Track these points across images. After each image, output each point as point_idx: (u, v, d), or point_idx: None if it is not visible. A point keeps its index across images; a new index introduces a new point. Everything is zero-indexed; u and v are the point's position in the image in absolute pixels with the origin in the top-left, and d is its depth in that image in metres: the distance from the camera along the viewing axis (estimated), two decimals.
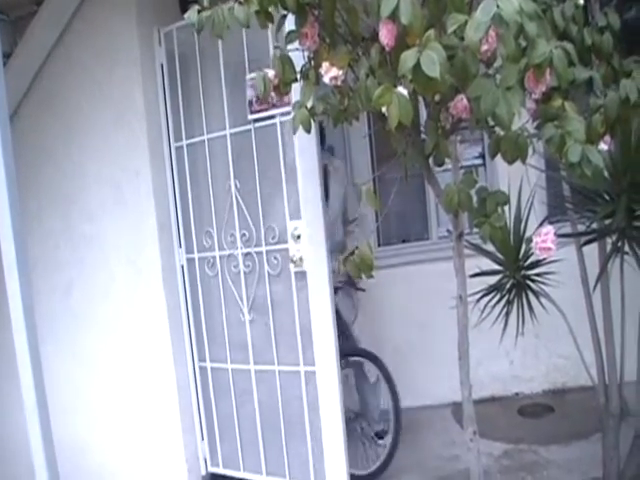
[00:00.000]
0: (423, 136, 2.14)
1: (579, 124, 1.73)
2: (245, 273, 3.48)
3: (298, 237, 3.21)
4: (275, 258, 3.35)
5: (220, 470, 3.78)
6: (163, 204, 3.64)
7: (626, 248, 2.76)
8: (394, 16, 1.61)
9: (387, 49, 1.75)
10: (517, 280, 3.04)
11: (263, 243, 3.39)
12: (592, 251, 3.00)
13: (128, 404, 3.78)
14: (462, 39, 1.60)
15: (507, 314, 3.06)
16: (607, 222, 2.80)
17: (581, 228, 3.04)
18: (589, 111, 1.91)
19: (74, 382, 3.85)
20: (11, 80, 3.60)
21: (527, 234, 2.86)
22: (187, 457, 3.71)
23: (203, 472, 3.83)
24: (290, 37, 2.17)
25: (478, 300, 3.05)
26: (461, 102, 1.83)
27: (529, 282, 3.04)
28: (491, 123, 1.78)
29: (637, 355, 2.98)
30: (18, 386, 2.03)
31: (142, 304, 3.66)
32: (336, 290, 3.94)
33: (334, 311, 3.19)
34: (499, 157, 1.89)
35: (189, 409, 3.77)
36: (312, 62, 2.20)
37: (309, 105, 2.20)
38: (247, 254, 3.46)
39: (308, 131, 2.23)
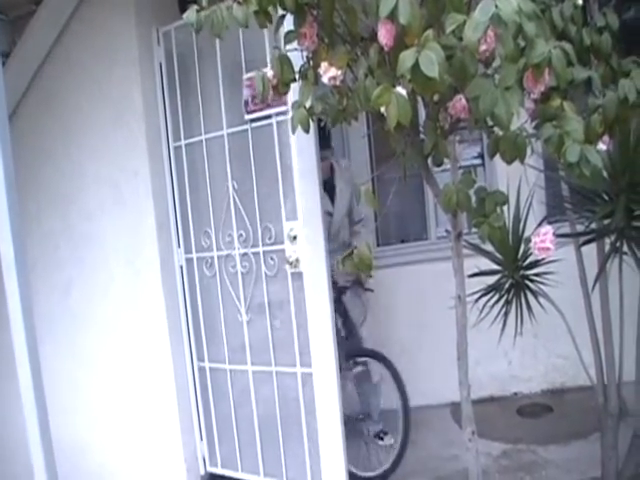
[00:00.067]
0: (422, 136, 2.14)
1: (578, 124, 1.73)
2: (242, 274, 3.48)
3: (294, 238, 3.20)
4: (272, 259, 3.35)
5: (219, 470, 3.79)
6: (162, 204, 3.64)
7: (625, 248, 2.76)
8: (393, 16, 1.60)
9: (386, 49, 1.75)
10: (516, 280, 3.04)
11: (260, 244, 3.39)
12: (591, 251, 3.00)
13: (127, 404, 3.77)
14: (461, 39, 1.60)
15: (506, 314, 3.06)
16: (606, 222, 2.80)
17: (580, 228, 3.04)
18: (588, 111, 1.91)
19: (73, 382, 3.85)
20: (10, 80, 3.60)
21: (526, 234, 2.86)
22: (186, 457, 3.71)
23: (202, 472, 3.83)
24: (289, 37, 2.16)
25: (477, 300, 3.05)
26: (460, 102, 1.83)
27: (528, 282, 3.04)
28: (490, 123, 1.78)
29: (636, 355, 2.98)
30: (17, 386, 2.03)
31: (141, 304, 3.66)
32: (345, 290, 3.96)
33: (333, 312, 3.19)
34: (498, 157, 1.89)
35: (188, 409, 3.77)
36: (311, 62, 2.20)
37: (308, 105, 2.20)
38: (244, 254, 3.46)
39: (307, 131, 2.23)
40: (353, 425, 4.05)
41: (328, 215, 4.02)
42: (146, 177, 3.53)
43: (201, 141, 3.56)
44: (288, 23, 2.16)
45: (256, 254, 3.41)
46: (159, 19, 3.59)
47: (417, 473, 3.75)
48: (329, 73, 1.98)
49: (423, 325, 4.59)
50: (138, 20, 3.49)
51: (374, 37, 1.81)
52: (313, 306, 3.19)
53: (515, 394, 4.77)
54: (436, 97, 1.94)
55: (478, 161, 4.83)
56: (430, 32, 1.61)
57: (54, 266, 3.83)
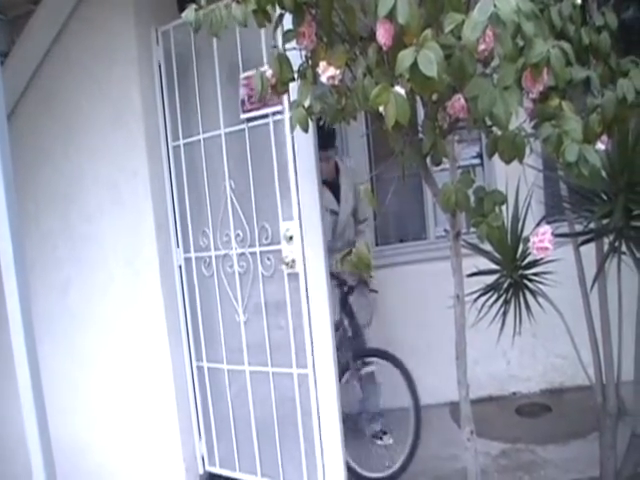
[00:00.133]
0: (420, 135, 2.14)
1: (576, 124, 1.73)
2: (240, 274, 3.47)
3: (290, 238, 3.19)
4: (268, 259, 3.35)
5: (217, 470, 3.79)
6: (161, 203, 3.63)
7: (623, 248, 2.76)
8: (391, 15, 1.60)
9: (384, 48, 1.75)
10: (514, 279, 3.04)
11: (257, 244, 3.38)
12: (589, 251, 3.01)
13: (126, 403, 3.77)
14: (459, 38, 1.60)
15: (504, 314, 3.06)
16: (604, 222, 2.81)
17: (578, 228, 3.04)
18: (586, 111, 1.92)
19: (72, 382, 3.85)
20: (8, 79, 3.60)
21: (524, 234, 2.86)
22: (185, 456, 3.71)
23: (201, 471, 3.83)
24: (287, 36, 2.16)
25: (475, 300, 3.06)
26: (458, 102, 1.83)
27: (526, 282, 3.04)
28: (488, 123, 1.78)
29: (634, 354, 2.99)
30: (16, 386, 2.03)
31: (140, 304, 3.65)
32: (352, 289, 3.96)
33: (332, 313, 3.18)
34: (497, 157, 1.89)
35: (187, 408, 3.77)
36: (309, 61, 2.20)
37: (306, 104, 2.20)
38: (241, 254, 3.46)
39: (305, 130, 2.23)
40: (360, 425, 4.06)
41: (334, 214, 4.02)
42: (145, 177, 3.53)
43: (199, 140, 3.55)
44: (287, 22, 2.16)
45: (253, 254, 3.41)
46: (158, 19, 3.58)
47: (416, 472, 3.74)
48: (328, 72, 1.98)
49: (421, 325, 4.59)
50: (137, 20, 3.49)
51: (373, 36, 1.81)
52: (312, 307, 3.18)
53: (514, 394, 4.78)
54: (435, 96, 1.94)
55: (477, 161, 4.83)
56: (429, 32, 1.61)
57: (53, 266, 3.82)
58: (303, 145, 3.05)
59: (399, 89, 1.69)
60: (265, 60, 3.03)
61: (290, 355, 3.32)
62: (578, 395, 4.33)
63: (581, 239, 3.01)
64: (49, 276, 3.83)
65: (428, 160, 2.19)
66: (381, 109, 1.70)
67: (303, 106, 2.20)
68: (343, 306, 3.99)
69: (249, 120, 3.30)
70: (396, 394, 3.78)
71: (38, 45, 3.65)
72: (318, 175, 3.09)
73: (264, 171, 3.28)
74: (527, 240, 1.97)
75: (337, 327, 3.97)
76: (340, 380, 3.83)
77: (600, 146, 1.87)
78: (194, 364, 3.78)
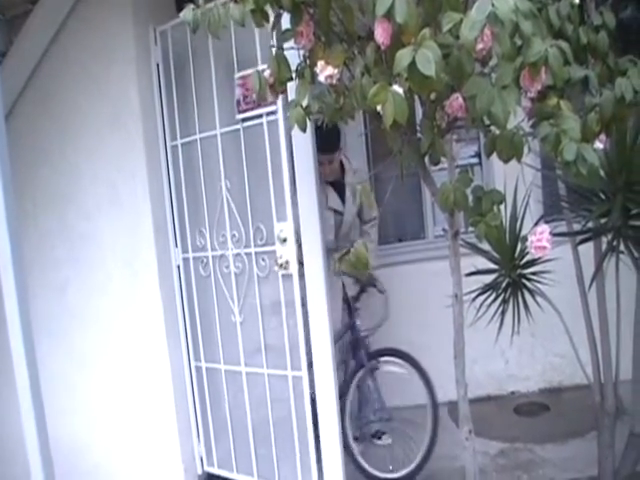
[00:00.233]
0: (419, 135, 2.14)
1: (574, 123, 1.73)
2: (236, 274, 3.47)
3: (284, 240, 3.19)
4: (263, 260, 3.35)
5: (215, 470, 3.79)
6: (159, 203, 3.64)
7: (621, 247, 2.76)
8: (389, 15, 1.60)
9: (382, 48, 1.75)
10: (513, 279, 3.04)
11: (252, 244, 3.38)
12: (588, 250, 3.01)
13: (125, 404, 3.77)
14: (457, 38, 1.60)
15: (503, 313, 3.06)
16: (603, 221, 2.81)
17: (577, 227, 3.04)
18: (584, 110, 1.92)
19: (70, 382, 3.84)
20: (6, 79, 3.60)
21: (523, 233, 2.86)
22: (183, 457, 3.71)
23: (199, 471, 3.83)
24: (285, 36, 2.16)
25: (474, 299, 3.06)
26: (457, 101, 1.82)
27: (525, 281, 3.04)
28: (487, 122, 1.78)
29: (632, 354, 2.99)
30: (15, 386, 2.03)
31: (139, 304, 3.65)
32: (365, 288, 3.95)
33: (330, 314, 3.17)
34: (495, 156, 1.89)
35: (185, 408, 3.77)
36: (307, 61, 2.19)
37: (304, 104, 2.20)
38: (237, 255, 3.46)
39: (304, 130, 2.22)
40: (373, 425, 4.07)
41: (339, 214, 4.02)
42: (143, 176, 3.53)
43: (196, 140, 3.56)
44: (285, 22, 2.16)
45: (248, 255, 3.41)
46: (156, 19, 3.58)
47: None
48: (326, 72, 1.98)
49: (420, 324, 4.59)
50: (135, 19, 3.49)
51: (371, 36, 1.81)
52: (311, 308, 3.17)
53: (512, 393, 4.78)
54: (433, 96, 1.94)
55: (475, 160, 4.84)
56: (427, 31, 1.60)
57: (51, 266, 3.82)
58: (301, 146, 3.03)
59: (397, 88, 1.69)
60: (260, 60, 3.03)
61: (285, 357, 3.31)
62: (576, 394, 4.33)
63: (579, 238, 3.01)
64: (47, 276, 3.82)
65: (426, 159, 2.19)
66: (379, 108, 1.70)
67: (301, 105, 2.19)
68: (355, 306, 4.00)
69: (244, 120, 3.31)
70: (412, 392, 3.75)
71: (36, 45, 3.64)
72: (317, 176, 3.08)
73: (259, 171, 3.28)
74: (525, 239, 1.97)
75: (348, 327, 3.98)
76: (353, 380, 3.84)
77: (598, 145, 1.87)
78: (192, 364, 3.78)
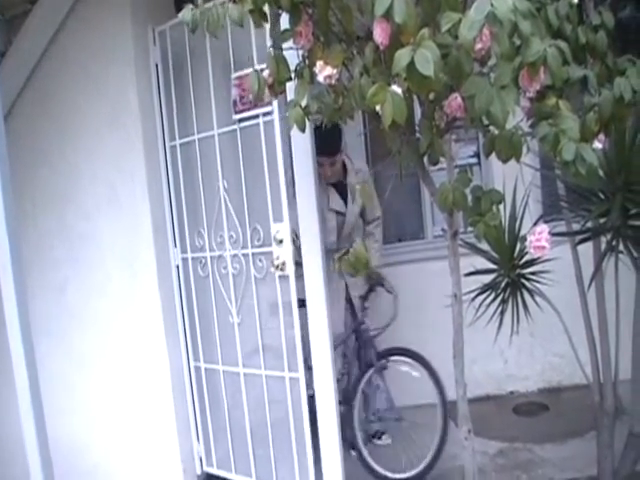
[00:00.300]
0: (418, 135, 2.14)
1: (573, 122, 1.73)
2: (233, 275, 3.47)
3: (281, 241, 3.19)
4: (260, 261, 3.34)
5: (214, 470, 3.79)
6: (158, 203, 3.64)
7: (620, 247, 2.76)
8: (388, 15, 1.60)
9: (381, 48, 1.75)
10: (512, 279, 3.04)
11: (249, 245, 3.38)
12: (587, 250, 3.01)
13: (124, 404, 3.77)
14: (456, 38, 1.60)
15: (502, 313, 3.06)
16: (602, 221, 2.81)
17: (576, 227, 3.04)
18: (583, 110, 1.91)
19: (69, 382, 3.84)
20: (5, 79, 3.60)
21: (522, 233, 2.86)
22: (182, 457, 3.71)
23: (198, 472, 3.83)
24: (284, 36, 2.16)
25: (473, 299, 3.06)
26: (455, 101, 1.82)
27: (524, 281, 3.04)
28: (485, 122, 1.78)
29: (631, 353, 2.99)
30: (14, 387, 2.03)
31: (138, 304, 3.65)
32: (372, 289, 3.94)
33: (329, 315, 3.16)
34: (494, 156, 1.89)
35: (184, 408, 3.77)
36: (306, 61, 2.19)
37: (303, 104, 2.20)
38: (234, 256, 3.45)
39: (303, 130, 2.22)
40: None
41: (341, 215, 4.00)
42: (142, 176, 3.53)
43: (194, 140, 3.56)
44: (283, 22, 2.16)
45: (245, 256, 3.40)
46: (155, 19, 3.58)
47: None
48: (325, 72, 1.98)
49: (419, 324, 4.59)
50: (134, 19, 3.48)
51: (369, 36, 1.81)
52: (310, 309, 3.16)
53: (511, 393, 4.78)
54: (432, 96, 1.94)
55: (474, 160, 4.84)
56: (425, 31, 1.60)
57: (50, 266, 3.82)
58: (300, 146, 3.03)
59: (396, 88, 1.69)
60: (256, 60, 3.02)
61: (282, 358, 3.31)
62: (576, 394, 4.33)
63: (578, 238, 3.01)
64: (46, 276, 3.82)
65: (425, 159, 2.19)
66: (378, 108, 1.70)
67: (300, 105, 2.19)
68: (363, 305, 4.00)
69: (241, 121, 3.31)
70: (421, 392, 3.73)
71: (35, 45, 3.64)
72: (316, 176, 3.08)
73: (255, 172, 3.28)
74: (524, 239, 1.97)
75: (353, 327, 3.98)
76: (362, 379, 3.83)
77: (597, 145, 1.87)
78: (192, 364, 3.78)
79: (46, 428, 2.07)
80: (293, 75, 2.26)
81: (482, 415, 4.09)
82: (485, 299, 3.09)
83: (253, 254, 3.36)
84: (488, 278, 3.11)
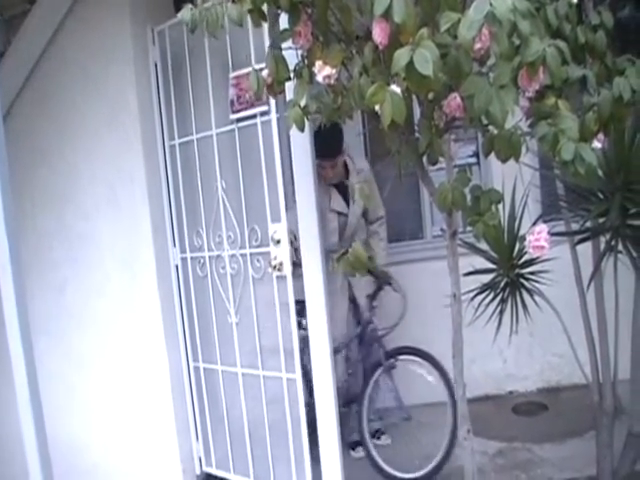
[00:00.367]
0: (417, 134, 2.14)
1: (572, 122, 1.73)
2: (232, 275, 3.47)
3: (278, 241, 3.18)
4: (258, 261, 3.34)
5: (214, 470, 3.79)
6: (157, 202, 3.64)
7: (620, 247, 2.76)
8: (387, 15, 1.60)
9: (380, 47, 1.75)
10: (511, 278, 3.04)
11: (247, 245, 3.37)
12: (586, 250, 3.01)
13: (123, 403, 3.77)
14: (455, 37, 1.60)
15: (501, 312, 3.06)
16: (601, 221, 2.81)
17: (575, 227, 3.04)
18: (582, 109, 1.91)
19: (69, 382, 3.84)
20: (4, 79, 3.60)
21: (521, 232, 2.86)
22: (182, 457, 3.71)
23: (198, 472, 3.83)
24: (283, 35, 2.16)
25: (472, 298, 3.06)
26: (454, 100, 1.82)
27: (523, 280, 3.04)
28: (485, 121, 1.78)
29: (631, 353, 2.99)
30: (13, 387, 2.03)
31: (137, 303, 3.65)
32: (380, 288, 3.93)
33: (328, 315, 3.15)
34: (493, 156, 1.89)
35: (183, 408, 3.77)
36: (305, 60, 2.19)
37: (302, 104, 2.19)
38: (232, 256, 3.46)
39: (302, 130, 2.22)
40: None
41: (343, 216, 3.99)
42: (141, 176, 3.53)
43: (193, 140, 3.56)
44: (282, 22, 2.15)
45: (243, 256, 3.40)
46: (154, 18, 3.58)
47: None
48: (324, 72, 1.98)
49: (418, 323, 4.58)
50: (133, 19, 3.48)
51: (369, 35, 1.81)
52: (309, 310, 3.15)
53: (510, 392, 4.78)
54: (431, 95, 1.93)
55: (473, 160, 4.83)
56: (425, 30, 1.60)
57: (49, 266, 3.81)
58: (299, 146, 3.02)
59: (395, 88, 1.69)
60: (254, 60, 3.02)
61: (279, 359, 3.31)
62: (575, 394, 4.33)
63: (577, 238, 3.01)
64: (46, 276, 3.82)
65: (424, 159, 2.18)
66: (377, 108, 1.70)
67: (299, 105, 2.19)
68: (371, 304, 3.99)
69: (239, 120, 3.31)
70: (430, 391, 3.72)
71: (34, 45, 3.64)
72: (315, 176, 3.07)
73: (253, 172, 3.28)
74: (523, 239, 1.97)
75: (366, 325, 3.97)
76: (370, 379, 3.82)
77: (596, 145, 1.87)
78: (191, 364, 3.78)
79: (45, 427, 2.07)
80: (292, 75, 2.26)
81: (481, 415, 4.09)
82: (484, 299, 3.09)
83: (251, 254, 3.36)
84: (487, 278, 3.11)
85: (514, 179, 3.05)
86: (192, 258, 3.68)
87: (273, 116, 3.10)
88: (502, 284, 3.07)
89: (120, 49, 3.49)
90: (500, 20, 1.49)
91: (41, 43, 3.63)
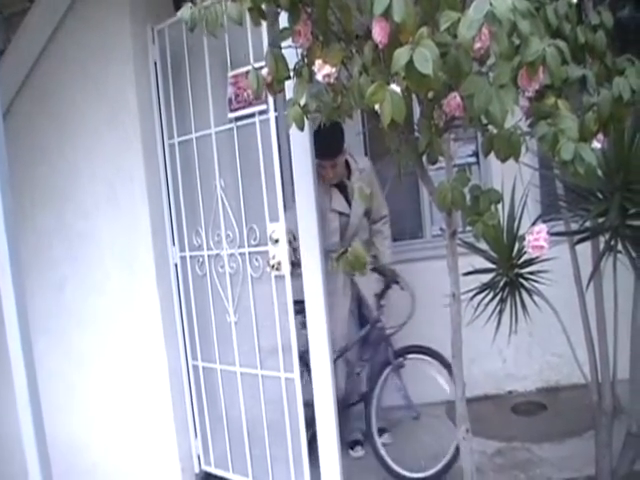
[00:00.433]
0: (416, 134, 2.14)
1: (572, 122, 1.73)
2: (230, 274, 3.47)
3: (276, 241, 3.17)
4: (256, 260, 3.34)
5: (212, 469, 3.79)
6: (157, 201, 3.64)
7: (619, 247, 2.76)
8: (387, 14, 1.60)
9: (380, 47, 1.75)
10: (510, 278, 3.04)
11: (246, 244, 3.37)
12: (585, 250, 3.00)
13: (122, 402, 3.77)
14: (455, 37, 1.60)
15: (500, 312, 3.06)
16: (600, 220, 2.81)
17: (574, 226, 3.04)
18: (582, 109, 1.91)
19: (68, 381, 3.84)
20: (4, 77, 3.60)
21: (520, 232, 2.86)
22: (181, 456, 3.71)
23: (196, 470, 3.83)
24: (283, 34, 2.16)
25: (471, 298, 3.05)
26: (454, 100, 1.82)
27: (522, 280, 3.04)
28: (484, 121, 1.78)
29: (630, 353, 2.99)
30: (12, 385, 2.03)
31: (136, 302, 3.65)
32: (388, 286, 3.92)
33: (328, 315, 3.15)
34: (492, 155, 1.89)
35: (182, 407, 3.77)
36: (305, 59, 2.19)
37: (302, 103, 2.19)
38: (231, 255, 3.45)
39: (301, 129, 2.22)
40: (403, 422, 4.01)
41: (344, 216, 3.97)
42: (141, 174, 3.53)
43: (192, 139, 3.56)
44: (282, 20, 2.15)
45: (242, 255, 3.40)
46: (154, 17, 3.58)
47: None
48: (323, 71, 1.98)
49: (417, 323, 4.58)
50: (133, 18, 3.48)
51: (368, 35, 1.81)
52: (308, 310, 3.16)
53: (510, 392, 4.78)
54: (430, 95, 1.93)
55: (473, 159, 4.83)
56: (424, 30, 1.60)
57: (49, 265, 3.81)
58: (299, 145, 3.02)
59: (395, 87, 1.69)
60: (252, 59, 3.02)
61: (278, 359, 3.30)
62: (574, 393, 4.33)
63: (577, 238, 3.01)
64: (45, 275, 3.82)
65: (424, 158, 2.18)
66: (377, 107, 1.70)
67: (299, 104, 2.19)
68: (380, 303, 3.97)
69: (237, 119, 3.30)
70: (440, 389, 3.67)
71: (34, 43, 3.64)
72: (315, 176, 3.07)
73: (252, 171, 3.27)
74: (523, 239, 1.97)
75: (374, 324, 3.95)
76: (379, 378, 3.81)
77: (596, 145, 1.87)
78: (190, 363, 3.78)
79: (44, 426, 2.07)
80: (292, 74, 2.26)
81: (480, 414, 4.09)
82: (483, 298, 3.09)
83: (249, 253, 3.36)
84: (487, 277, 3.11)
85: (513, 179, 3.05)
86: (191, 257, 3.67)
87: (271, 115, 3.10)
88: (501, 284, 3.06)
89: (120, 48, 3.49)
90: (500, 20, 1.49)
91: (41, 41, 3.62)
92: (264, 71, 2.23)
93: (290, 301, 3.17)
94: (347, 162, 3.99)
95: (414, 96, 2.02)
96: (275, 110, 3.12)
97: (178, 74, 3.57)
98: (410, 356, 3.79)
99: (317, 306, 3.12)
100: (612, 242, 2.76)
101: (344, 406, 3.96)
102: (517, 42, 1.62)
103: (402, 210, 4.94)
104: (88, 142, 3.63)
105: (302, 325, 3.26)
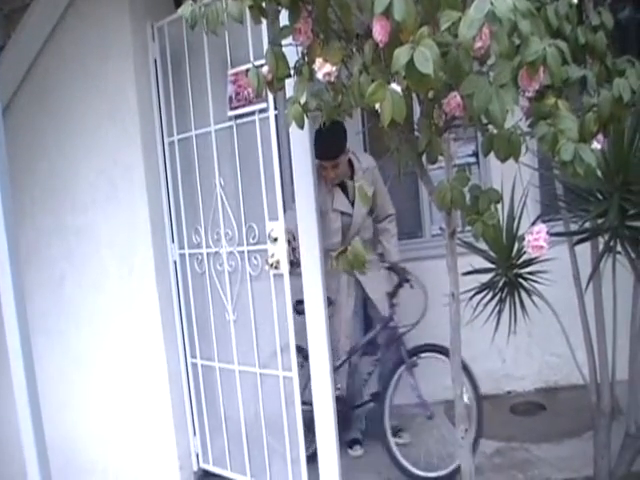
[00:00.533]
0: (416, 133, 2.13)
1: (572, 122, 1.73)
2: (229, 272, 3.47)
3: (275, 239, 3.17)
4: (255, 258, 3.34)
5: (211, 467, 3.79)
6: (156, 199, 3.64)
7: (618, 247, 2.76)
8: (388, 13, 1.60)
9: (380, 46, 1.74)
10: (509, 278, 3.04)
11: (245, 243, 3.37)
12: (585, 250, 3.00)
13: (121, 400, 3.77)
14: (455, 36, 1.59)
15: (499, 312, 3.06)
16: (600, 221, 2.80)
17: (574, 227, 3.04)
18: (582, 110, 1.91)
19: (66, 378, 3.84)
20: (3, 74, 3.60)
21: (520, 232, 2.86)
22: (179, 454, 3.72)
23: (195, 468, 3.83)
24: (283, 32, 2.16)
25: (471, 298, 3.05)
26: (454, 99, 1.82)
27: (521, 280, 3.04)
28: (484, 121, 1.77)
29: (629, 354, 2.99)
30: (11, 383, 2.03)
31: (135, 299, 3.65)
32: (401, 284, 3.91)
33: (327, 314, 3.16)
34: (492, 155, 1.89)
35: (181, 405, 3.77)
36: (305, 58, 2.19)
37: (302, 101, 2.19)
38: (230, 253, 3.46)
39: (301, 127, 2.22)
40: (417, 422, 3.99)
41: (347, 216, 3.96)
42: (140, 172, 3.53)
43: (192, 137, 3.56)
44: (283, 19, 2.15)
45: (241, 253, 3.40)
46: (153, 14, 3.58)
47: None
48: (324, 69, 1.98)
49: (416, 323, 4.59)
50: (132, 15, 3.48)
51: (369, 33, 1.80)
52: (307, 309, 3.15)
53: (509, 392, 4.77)
54: (431, 94, 1.93)
55: (472, 159, 4.82)
56: (425, 29, 1.60)
57: (47, 262, 3.81)
58: (299, 144, 3.02)
59: (395, 86, 1.68)
60: (252, 57, 3.01)
61: (276, 357, 3.31)
62: (573, 394, 4.33)
63: (576, 238, 3.00)
64: (44, 272, 3.82)
65: (424, 158, 2.18)
66: (377, 106, 1.70)
67: (299, 103, 2.19)
68: (391, 301, 3.93)
69: (237, 117, 3.30)
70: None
71: (34, 40, 3.63)
72: (315, 175, 3.06)
73: (251, 170, 3.27)
74: (522, 239, 1.97)
75: (387, 322, 3.92)
76: (392, 377, 3.78)
77: (596, 145, 1.87)
78: (189, 360, 3.78)
79: (43, 425, 2.07)
80: (292, 72, 2.25)
81: None
82: (483, 298, 3.09)
83: (248, 252, 3.36)
84: (486, 277, 3.11)
85: (513, 179, 3.05)
86: (190, 254, 3.67)
87: (271, 113, 3.10)
88: (501, 284, 3.07)
89: (120, 45, 3.49)
90: (500, 19, 1.48)
91: (41, 38, 3.62)
92: (264, 69, 2.22)
93: (289, 299, 3.16)
94: (351, 162, 3.97)
95: (414, 95, 2.01)
96: (275, 108, 3.12)
97: (178, 72, 3.57)
98: (424, 355, 3.76)
99: (317, 306, 3.11)
100: (611, 243, 2.76)
101: (349, 407, 3.96)
102: (517, 42, 1.62)
103: (402, 209, 4.93)
104: (88, 139, 3.63)
105: None
